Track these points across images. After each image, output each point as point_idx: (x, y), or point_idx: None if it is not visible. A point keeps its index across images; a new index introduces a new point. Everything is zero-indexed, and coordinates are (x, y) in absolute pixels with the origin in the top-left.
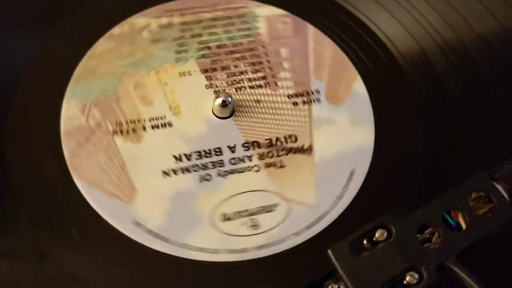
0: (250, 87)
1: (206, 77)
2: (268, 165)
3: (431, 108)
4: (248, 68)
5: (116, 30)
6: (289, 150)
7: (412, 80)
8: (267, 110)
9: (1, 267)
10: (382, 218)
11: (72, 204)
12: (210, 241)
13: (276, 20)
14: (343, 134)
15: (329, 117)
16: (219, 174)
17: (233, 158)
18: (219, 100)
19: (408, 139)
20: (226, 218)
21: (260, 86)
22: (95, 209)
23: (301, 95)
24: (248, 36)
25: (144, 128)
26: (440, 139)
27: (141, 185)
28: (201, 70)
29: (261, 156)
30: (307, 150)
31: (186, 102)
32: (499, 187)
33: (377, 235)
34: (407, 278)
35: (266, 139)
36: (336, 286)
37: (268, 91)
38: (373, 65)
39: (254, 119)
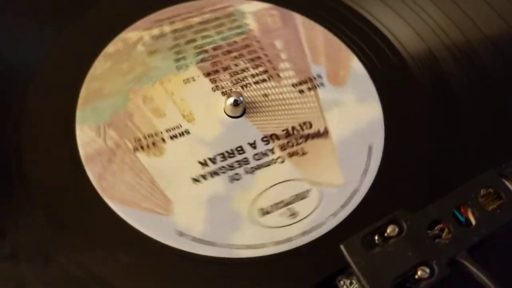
0: (255, 83)
1: (210, 80)
2: (290, 155)
3: (439, 108)
4: (249, 65)
5: (110, 48)
6: (307, 137)
7: (420, 80)
8: (276, 102)
9: (8, 269)
10: (393, 214)
11: (110, 226)
12: (255, 237)
13: (264, 13)
14: (353, 113)
15: (336, 99)
16: (246, 172)
17: (256, 154)
18: (231, 100)
19: (417, 139)
20: (265, 212)
21: (264, 80)
22: (135, 227)
23: (305, 82)
24: (240, 34)
25: (163, 140)
26: (449, 138)
27: (175, 196)
28: (204, 74)
29: (282, 147)
30: (323, 134)
31: (197, 108)
32: (508, 184)
33: (388, 230)
34: (419, 273)
35: (283, 130)
36: (348, 281)
37: (273, 83)
38: (381, 64)
39: (267, 113)
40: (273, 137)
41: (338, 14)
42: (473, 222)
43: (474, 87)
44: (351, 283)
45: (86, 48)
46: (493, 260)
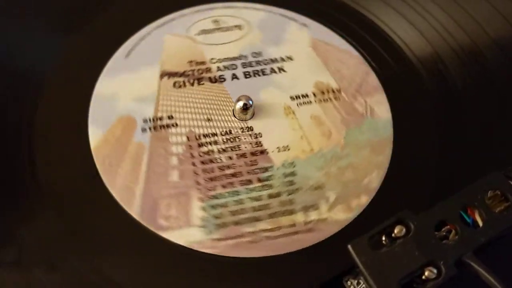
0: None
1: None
2: None
3: (445, 110)
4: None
5: None
6: None
7: (427, 82)
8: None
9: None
10: (399, 214)
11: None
12: None
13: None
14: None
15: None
16: None
17: None
18: (240, 104)
19: (424, 140)
20: None
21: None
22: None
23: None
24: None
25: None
26: (455, 140)
27: None
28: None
29: None
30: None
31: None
32: None
33: (396, 231)
34: (426, 273)
35: None
36: (355, 281)
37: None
38: (388, 66)
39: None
40: None
41: (344, 17)
42: (480, 223)
43: (480, 89)
44: (358, 283)
45: (100, 49)
46: (499, 261)
